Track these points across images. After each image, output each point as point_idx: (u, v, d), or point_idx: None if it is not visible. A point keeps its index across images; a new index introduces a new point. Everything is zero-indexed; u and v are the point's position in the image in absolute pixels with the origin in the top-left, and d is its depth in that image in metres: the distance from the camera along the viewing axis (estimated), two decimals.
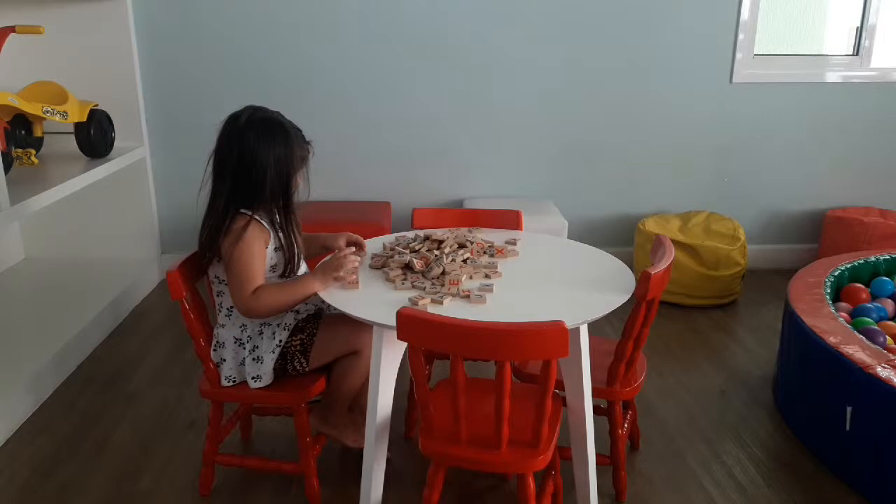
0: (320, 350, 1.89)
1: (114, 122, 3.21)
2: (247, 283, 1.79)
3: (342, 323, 1.87)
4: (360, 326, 1.84)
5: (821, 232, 3.76)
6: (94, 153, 3.10)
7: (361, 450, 1.84)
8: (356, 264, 1.84)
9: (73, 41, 3.24)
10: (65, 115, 2.92)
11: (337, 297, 1.75)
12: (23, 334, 2.77)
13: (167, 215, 3.63)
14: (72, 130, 3.04)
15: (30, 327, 2.84)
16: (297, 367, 1.89)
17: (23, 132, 2.91)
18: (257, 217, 1.82)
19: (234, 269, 1.80)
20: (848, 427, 2.04)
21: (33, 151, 2.88)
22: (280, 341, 1.87)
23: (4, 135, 2.56)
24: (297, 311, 1.92)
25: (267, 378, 1.88)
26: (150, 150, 3.52)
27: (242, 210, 1.82)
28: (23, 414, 2.39)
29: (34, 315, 2.96)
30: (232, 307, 1.88)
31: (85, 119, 3.01)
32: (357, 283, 1.81)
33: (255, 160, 1.79)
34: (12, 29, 2.69)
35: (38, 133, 3.00)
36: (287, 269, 1.88)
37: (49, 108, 2.85)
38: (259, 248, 1.81)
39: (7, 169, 2.46)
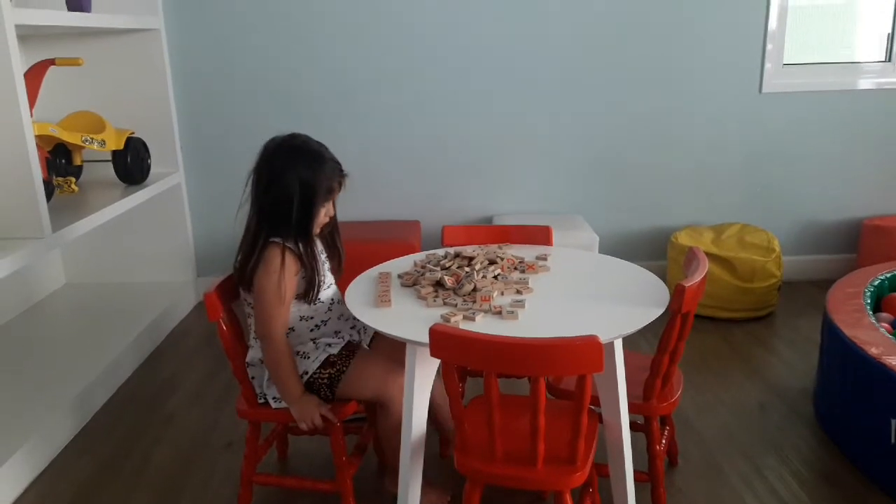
0: (347, 389, 1.88)
1: (150, 149, 3.28)
2: (272, 311, 1.79)
3: (373, 367, 1.88)
4: (389, 375, 1.85)
5: (858, 241, 3.69)
6: (131, 180, 3.17)
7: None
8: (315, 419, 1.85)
9: (110, 72, 3.33)
10: (103, 143, 2.99)
11: (370, 316, 1.76)
12: (65, 358, 2.83)
13: (202, 239, 3.69)
14: (110, 158, 3.11)
15: (72, 351, 2.90)
16: (323, 397, 1.89)
17: (63, 161, 3.00)
18: (289, 245, 1.81)
19: (262, 298, 1.79)
20: (894, 440, 1.99)
21: (73, 179, 2.96)
22: (306, 371, 1.87)
23: (46, 164, 2.63)
24: (329, 345, 1.91)
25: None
26: (185, 176, 3.59)
27: (273, 238, 1.81)
28: (66, 436, 2.44)
29: (76, 339, 3.03)
30: None
31: (122, 147, 3.09)
32: (390, 301, 1.83)
33: (280, 185, 1.78)
34: (52, 61, 2.77)
35: (77, 161, 3.08)
36: (309, 296, 1.87)
37: (88, 137, 2.93)
38: (289, 278, 1.80)
39: (49, 197, 2.53)
